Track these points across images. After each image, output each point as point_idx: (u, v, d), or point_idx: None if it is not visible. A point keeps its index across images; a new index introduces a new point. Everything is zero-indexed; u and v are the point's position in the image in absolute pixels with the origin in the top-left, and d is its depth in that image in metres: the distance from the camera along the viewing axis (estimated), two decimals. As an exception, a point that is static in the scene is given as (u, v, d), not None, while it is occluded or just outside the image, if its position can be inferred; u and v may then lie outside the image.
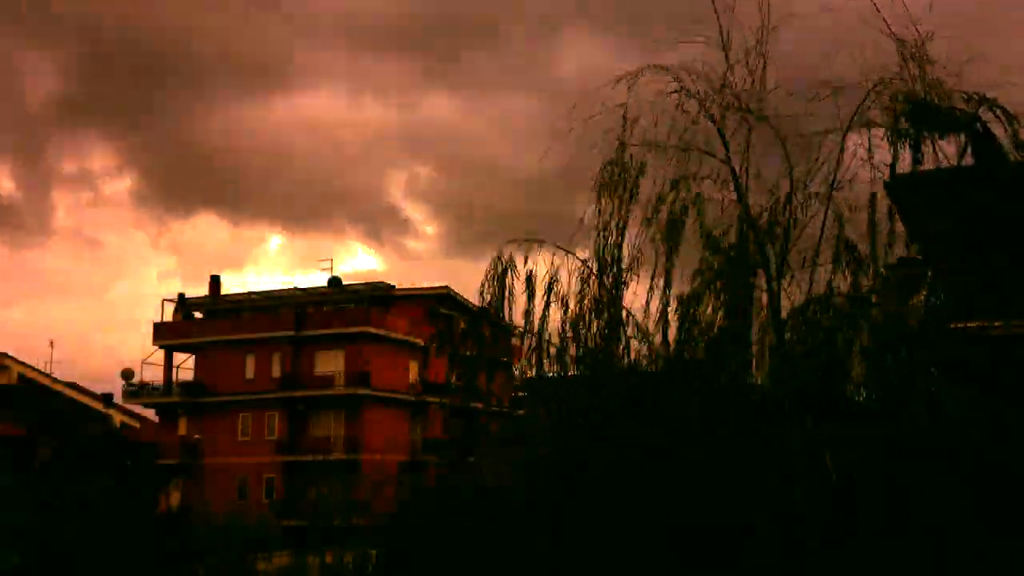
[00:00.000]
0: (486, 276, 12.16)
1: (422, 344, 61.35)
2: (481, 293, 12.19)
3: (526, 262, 12.04)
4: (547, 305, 12.02)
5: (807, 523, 9.75)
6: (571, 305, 11.94)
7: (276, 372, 62.52)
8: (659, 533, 10.40)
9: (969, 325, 9.00)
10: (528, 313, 12.10)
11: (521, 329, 12.25)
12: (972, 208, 8.61)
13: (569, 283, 11.89)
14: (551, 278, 11.96)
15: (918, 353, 10.10)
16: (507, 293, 12.13)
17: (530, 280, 11.97)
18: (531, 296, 11.99)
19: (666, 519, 10.38)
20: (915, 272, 10.14)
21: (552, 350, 12.11)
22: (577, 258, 11.94)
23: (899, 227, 10.44)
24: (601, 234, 11.57)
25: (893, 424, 9.96)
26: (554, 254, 12.01)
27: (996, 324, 8.89)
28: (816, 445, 9.94)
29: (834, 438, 9.98)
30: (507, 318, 12.26)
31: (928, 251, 9.67)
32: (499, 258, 12.12)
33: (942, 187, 9.15)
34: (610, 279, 11.67)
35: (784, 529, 9.80)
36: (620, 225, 11.50)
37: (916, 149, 10.12)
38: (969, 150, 9.92)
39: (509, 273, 12.07)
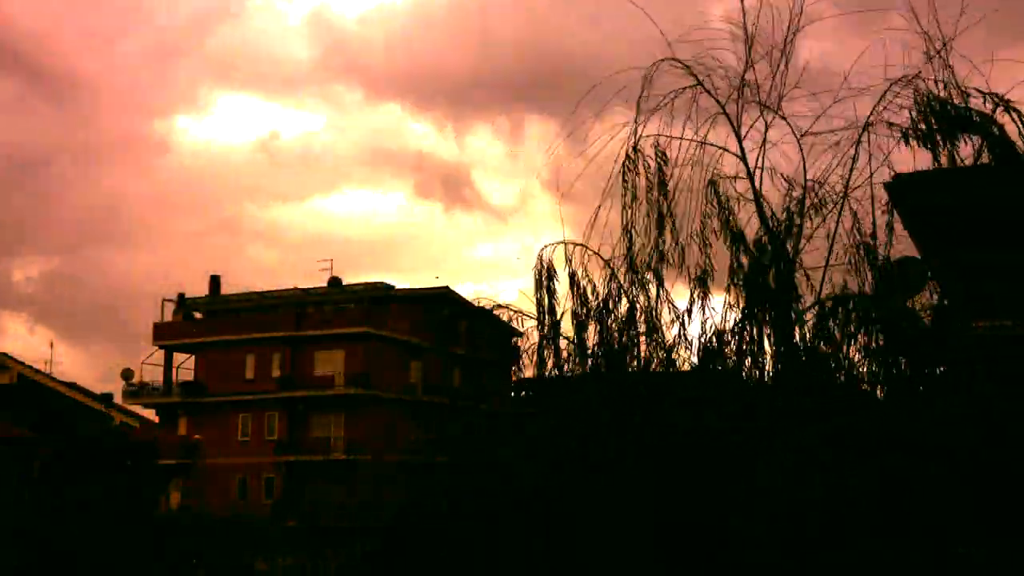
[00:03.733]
0: (535, 280, 12.42)
1: (422, 344, 61.43)
2: (536, 298, 12.45)
3: (567, 264, 12.26)
4: (583, 303, 12.17)
5: (803, 521, 9.75)
6: (591, 303, 12.08)
7: (276, 372, 62.48)
8: (652, 532, 10.41)
9: (976, 324, 8.99)
10: (550, 311, 12.30)
11: (552, 329, 12.38)
12: (978, 208, 8.61)
13: (603, 283, 12.05)
14: (585, 278, 12.15)
15: (925, 352, 10.10)
16: (553, 295, 12.39)
17: (574, 283, 12.20)
18: (578, 298, 12.20)
19: (660, 517, 10.40)
20: (919, 272, 10.13)
21: (566, 347, 12.23)
22: (601, 258, 12.06)
23: (902, 227, 10.43)
24: (626, 236, 11.67)
25: (896, 421, 9.97)
26: (584, 254, 12.18)
27: (1003, 324, 8.88)
28: (811, 441, 9.96)
29: (833, 435, 9.99)
30: (556, 320, 12.45)
31: (932, 251, 9.67)
32: (541, 261, 12.36)
33: (944, 187, 9.15)
34: (635, 279, 11.76)
35: (779, 527, 9.80)
36: (654, 226, 11.60)
37: (932, 150, 10.12)
38: (985, 151, 9.91)
39: (552, 277, 12.36)
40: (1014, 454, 8.90)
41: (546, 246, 12.36)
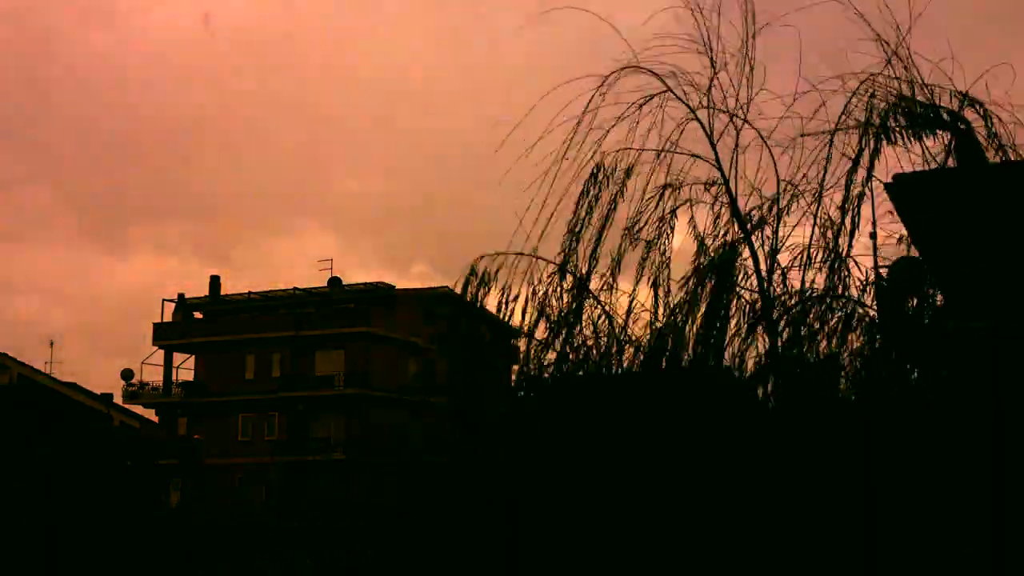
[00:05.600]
0: (461, 293, 12.26)
1: (422, 344, 61.44)
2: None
3: (496, 274, 12.09)
4: (524, 314, 12.10)
5: (797, 523, 9.78)
6: (548, 312, 12.03)
7: (276, 372, 62.54)
8: (643, 533, 10.46)
9: (970, 325, 9.01)
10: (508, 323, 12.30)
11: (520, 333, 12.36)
12: (965, 208, 8.65)
13: (551, 291, 11.96)
14: (529, 290, 12.04)
15: (912, 353, 10.13)
16: (481, 306, 12.26)
17: (505, 292, 12.08)
18: (506, 306, 12.10)
19: (650, 518, 10.44)
20: (918, 271, 10.14)
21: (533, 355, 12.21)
22: (554, 264, 11.94)
23: (898, 227, 10.45)
24: (574, 239, 11.61)
25: (887, 421, 10.00)
26: (531, 264, 12.04)
27: (999, 324, 8.89)
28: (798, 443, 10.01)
29: (820, 437, 10.03)
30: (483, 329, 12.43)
31: (929, 251, 9.67)
32: (473, 273, 12.16)
33: (944, 187, 9.16)
34: (590, 284, 11.76)
35: (771, 530, 9.84)
36: (600, 230, 11.59)
37: (902, 147, 10.17)
38: (953, 150, 9.96)
39: (483, 287, 12.15)
40: (1012, 454, 8.91)
41: (482, 257, 12.08)
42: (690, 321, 11.16)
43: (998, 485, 8.73)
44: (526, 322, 12.08)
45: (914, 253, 10.49)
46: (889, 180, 8.96)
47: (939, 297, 10.53)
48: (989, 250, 8.75)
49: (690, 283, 11.18)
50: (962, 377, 9.66)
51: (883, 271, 10.89)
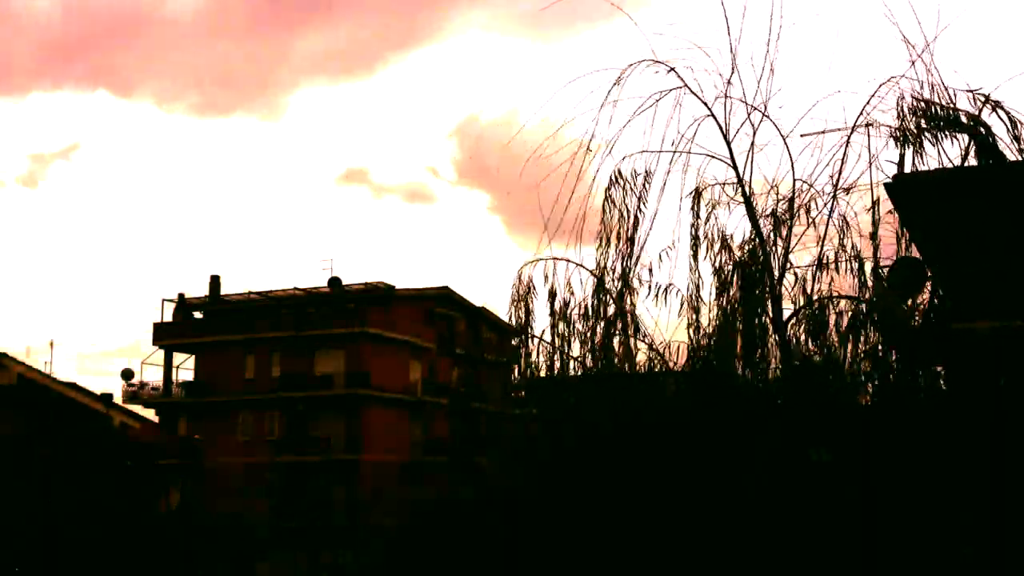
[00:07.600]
0: (511, 299, 12.62)
1: (422, 344, 61.44)
2: (508, 316, 12.71)
3: (546, 280, 12.41)
4: (564, 317, 12.28)
5: (797, 523, 9.78)
6: (577, 312, 12.16)
7: (276, 372, 62.49)
8: (653, 536, 10.45)
9: (972, 326, 9.01)
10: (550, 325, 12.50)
11: (542, 340, 12.51)
12: (973, 209, 8.64)
13: (584, 294, 12.17)
14: (567, 293, 12.28)
15: (920, 354, 10.13)
16: (531, 312, 12.57)
17: (552, 298, 12.37)
18: (552, 313, 12.39)
19: (651, 519, 10.44)
20: (918, 272, 10.13)
21: (557, 356, 12.32)
22: (587, 270, 12.13)
23: (900, 227, 10.43)
24: (606, 245, 11.75)
25: (891, 422, 9.99)
26: (567, 268, 12.27)
27: (1000, 324, 8.88)
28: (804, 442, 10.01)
29: (826, 436, 10.02)
30: (533, 334, 12.67)
31: (929, 251, 9.68)
32: (520, 280, 12.52)
33: (944, 187, 9.17)
34: (617, 287, 11.81)
35: (772, 530, 9.84)
36: (628, 235, 11.66)
37: (920, 150, 10.16)
38: (972, 151, 9.95)
39: (530, 294, 12.51)
40: (1012, 454, 8.91)
41: (525, 264, 12.46)
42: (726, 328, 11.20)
43: (998, 485, 8.73)
44: (535, 324, 12.28)
45: (914, 253, 10.49)
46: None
47: (940, 297, 10.52)
48: (990, 250, 8.75)
49: (723, 297, 11.25)
50: (962, 377, 9.65)
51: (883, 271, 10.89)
